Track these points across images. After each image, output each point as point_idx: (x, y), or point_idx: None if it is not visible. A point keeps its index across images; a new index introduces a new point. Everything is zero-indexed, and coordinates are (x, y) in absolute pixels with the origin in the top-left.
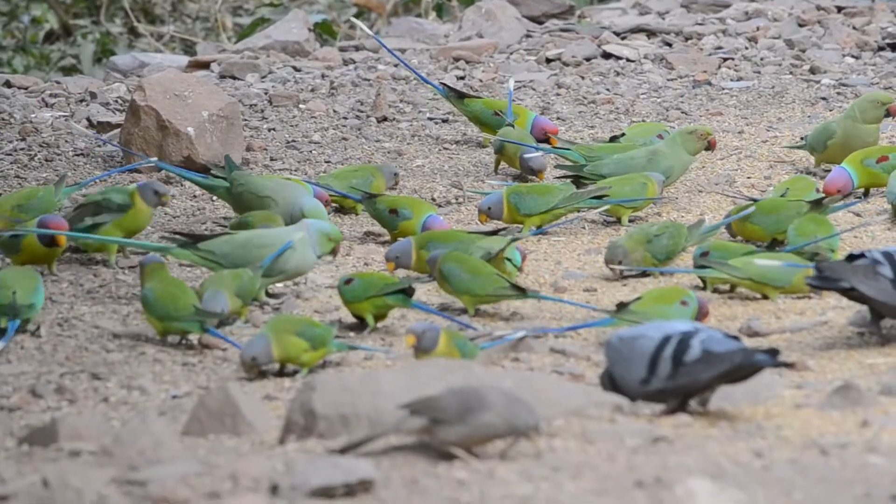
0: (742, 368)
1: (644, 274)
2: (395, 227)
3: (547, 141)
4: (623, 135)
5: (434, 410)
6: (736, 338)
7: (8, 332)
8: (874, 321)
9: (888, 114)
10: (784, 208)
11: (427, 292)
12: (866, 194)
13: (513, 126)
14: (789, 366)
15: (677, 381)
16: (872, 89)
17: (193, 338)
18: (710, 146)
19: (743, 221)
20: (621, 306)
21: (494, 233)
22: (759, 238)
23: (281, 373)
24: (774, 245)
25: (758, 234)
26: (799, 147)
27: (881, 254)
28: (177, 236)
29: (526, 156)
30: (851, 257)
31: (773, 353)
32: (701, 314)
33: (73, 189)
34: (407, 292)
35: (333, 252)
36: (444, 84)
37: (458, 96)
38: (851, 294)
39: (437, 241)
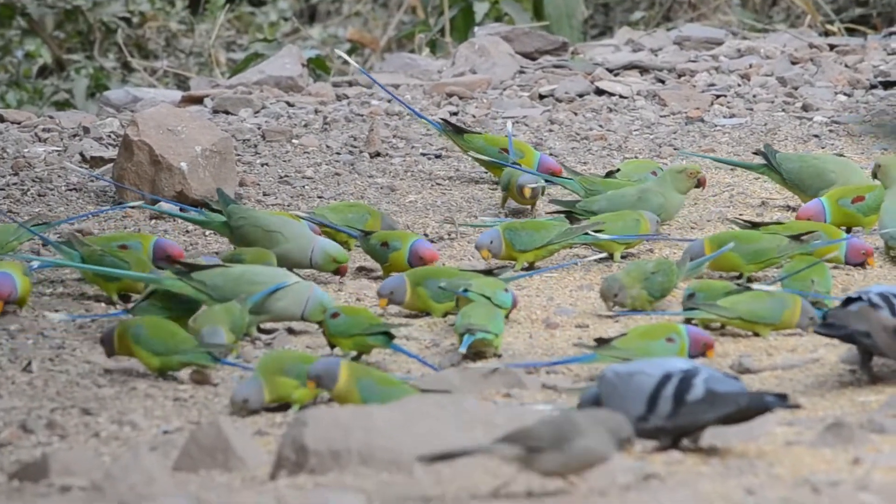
0: (748, 410)
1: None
2: (385, 260)
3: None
4: (618, 170)
5: (529, 440)
6: (737, 378)
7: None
8: (864, 361)
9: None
10: (763, 239)
11: (419, 328)
12: (848, 231)
13: (518, 165)
14: (796, 407)
15: (677, 421)
16: (864, 126)
17: (184, 373)
18: (700, 184)
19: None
20: (600, 342)
21: (489, 272)
22: (734, 267)
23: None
24: (750, 282)
25: (734, 262)
26: (758, 170)
27: (878, 295)
28: (171, 265)
29: (521, 180)
30: (848, 301)
31: (782, 396)
32: (699, 347)
33: (41, 228)
34: (388, 334)
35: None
36: (443, 120)
37: (456, 132)
38: (856, 339)
39: (433, 278)
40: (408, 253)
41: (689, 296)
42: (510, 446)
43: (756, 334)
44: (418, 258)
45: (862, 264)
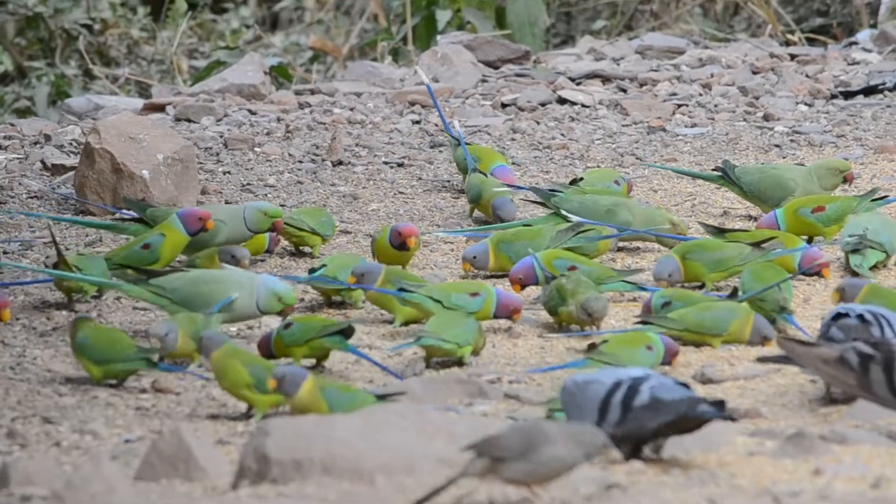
0: (687, 419)
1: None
2: None
3: None
4: (582, 178)
5: (495, 449)
6: (687, 385)
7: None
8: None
9: (845, 181)
10: (726, 248)
11: (381, 336)
12: (810, 241)
13: (483, 173)
14: (731, 419)
15: (626, 428)
16: (825, 137)
17: (146, 382)
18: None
19: (684, 260)
20: (592, 347)
21: None
22: (698, 277)
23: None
24: (735, 293)
25: (697, 271)
26: (717, 181)
27: (869, 313)
28: (128, 272)
29: (495, 202)
30: (839, 316)
31: (719, 404)
32: (669, 355)
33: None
34: (345, 333)
35: (282, 313)
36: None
37: (458, 144)
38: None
39: (409, 281)
40: (388, 232)
41: (663, 305)
42: (480, 461)
43: (710, 345)
44: (397, 233)
45: (817, 274)
